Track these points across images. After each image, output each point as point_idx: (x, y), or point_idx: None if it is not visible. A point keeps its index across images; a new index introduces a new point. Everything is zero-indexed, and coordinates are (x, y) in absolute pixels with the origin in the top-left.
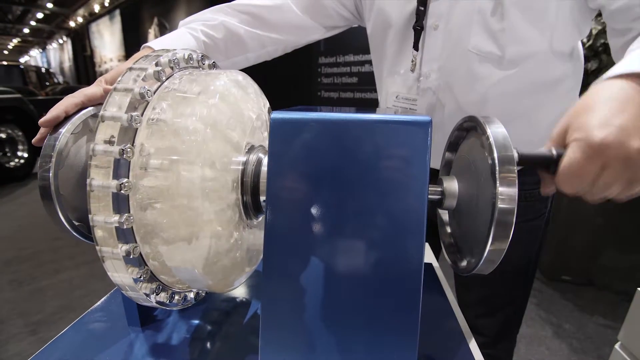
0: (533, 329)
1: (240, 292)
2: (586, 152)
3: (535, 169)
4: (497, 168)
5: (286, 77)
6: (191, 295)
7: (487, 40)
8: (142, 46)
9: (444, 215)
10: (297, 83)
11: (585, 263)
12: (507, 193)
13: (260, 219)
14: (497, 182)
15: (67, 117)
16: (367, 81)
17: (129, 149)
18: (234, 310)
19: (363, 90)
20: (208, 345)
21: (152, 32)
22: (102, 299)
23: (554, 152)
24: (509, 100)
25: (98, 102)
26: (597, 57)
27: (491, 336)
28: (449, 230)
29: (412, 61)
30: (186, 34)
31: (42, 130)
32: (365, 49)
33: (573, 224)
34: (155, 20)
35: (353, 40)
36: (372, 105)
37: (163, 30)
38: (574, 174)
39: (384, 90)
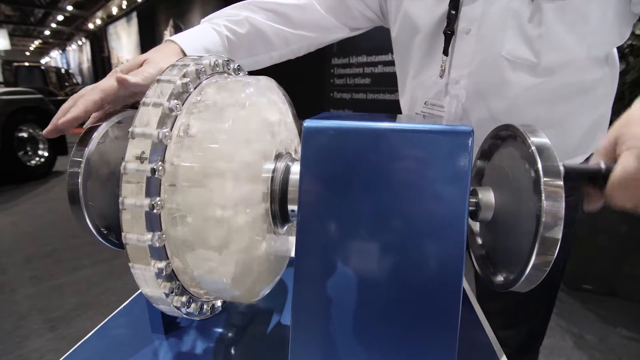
0: (553, 339)
1: (261, 300)
2: None
3: (581, 183)
4: (542, 180)
5: (299, 78)
6: (218, 303)
7: (523, 46)
8: (165, 39)
9: (475, 226)
10: (310, 84)
11: (608, 272)
12: (553, 207)
13: (285, 228)
14: (543, 194)
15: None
16: (380, 82)
17: (160, 167)
18: (257, 319)
19: (376, 92)
20: (232, 354)
21: (167, 33)
22: (125, 304)
23: (603, 165)
24: (542, 108)
25: (115, 95)
26: (624, 59)
27: (514, 348)
28: (480, 242)
29: (441, 67)
30: (209, 29)
31: (53, 127)
32: (378, 50)
33: (595, 231)
34: (171, 22)
35: (366, 41)
36: (385, 106)
37: (178, 32)
38: (628, 184)
39: (407, 94)
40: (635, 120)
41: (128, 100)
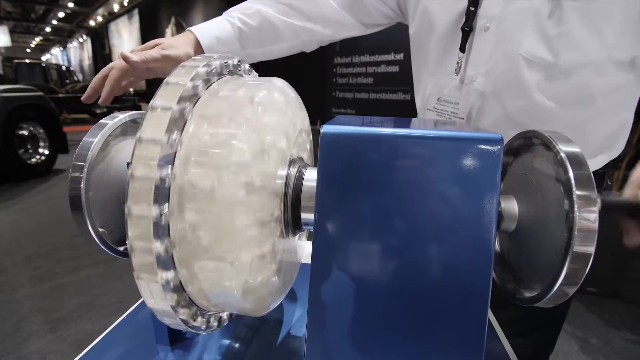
0: (558, 343)
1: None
2: None
3: (618, 216)
4: (574, 190)
5: (301, 77)
6: (225, 315)
7: (541, 45)
8: (187, 29)
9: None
10: (312, 83)
11: (612, 274)
12: (586, 219)
13: (297, 237)
14: (575, 206)
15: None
16: (383, 82)
17: (169, 175)
18: (265, 328)
19: (378, 91)
20: None
21: (169, 31)
22: (128, 312)
23: None
24: (560, 110)
25: (129, 73)
26: None
27: (525, 357)
28: (502, 254)
29: (458, 63)
30: (223, 21)
31: (93, 93)
32: (381, 49)
33: (598, 234)
34: (173, 19)
35: (369, 40)
36: (388, 106)
37: (180, 30)
38: None
39: (422, 91)
40: None
41: (143, 76)
